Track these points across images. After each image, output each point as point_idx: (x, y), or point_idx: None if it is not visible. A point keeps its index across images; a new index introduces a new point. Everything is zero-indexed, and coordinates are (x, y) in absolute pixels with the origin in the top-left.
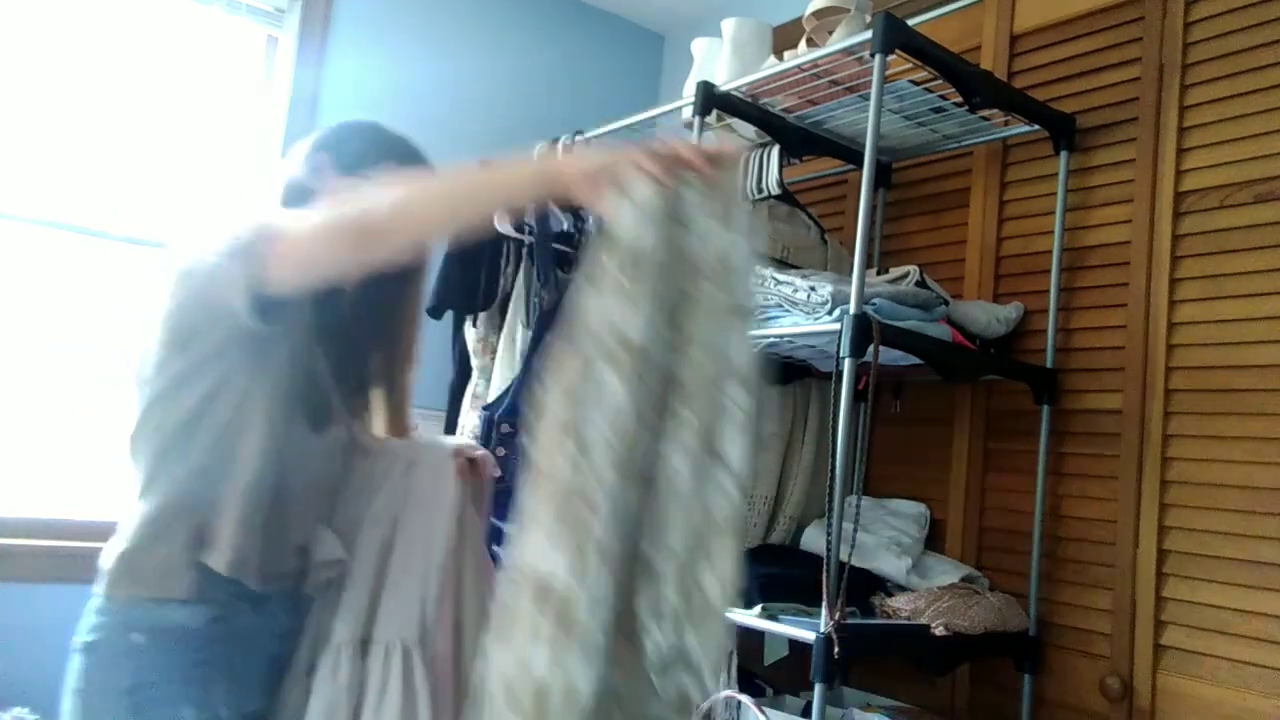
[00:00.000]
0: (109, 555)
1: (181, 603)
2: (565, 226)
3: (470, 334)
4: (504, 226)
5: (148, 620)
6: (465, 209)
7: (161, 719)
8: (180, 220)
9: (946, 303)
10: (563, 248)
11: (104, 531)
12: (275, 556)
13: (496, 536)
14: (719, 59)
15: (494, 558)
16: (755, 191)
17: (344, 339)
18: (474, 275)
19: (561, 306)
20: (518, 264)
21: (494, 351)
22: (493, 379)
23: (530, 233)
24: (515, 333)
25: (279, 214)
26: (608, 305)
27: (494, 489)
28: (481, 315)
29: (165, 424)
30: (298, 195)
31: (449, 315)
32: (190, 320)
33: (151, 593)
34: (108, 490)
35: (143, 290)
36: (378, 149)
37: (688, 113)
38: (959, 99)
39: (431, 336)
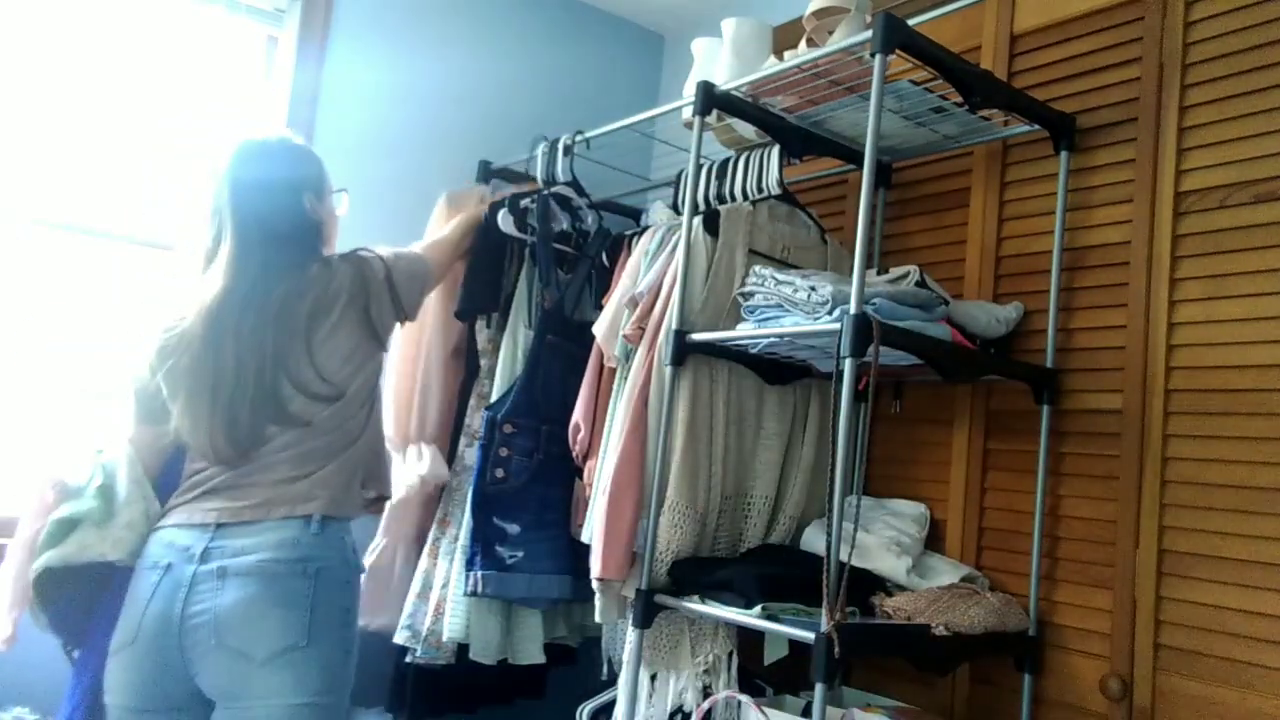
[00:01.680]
0: (316, 491)
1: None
2: (565, 226)
3: (481, 334)
4: (506, 226)
5: (351, 546)
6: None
7: (352, 635)
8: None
9: (946, 303)
10: (563, 248)
11: None
12: None
13: (500, 536)
14: (719, 59)
15: (500, 559)
16: (755, 191)
17: None
18: (497, 277)
19: (563, 306)
20: (519, 264)
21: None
22: (496, 379)
23: (532, 233)
24: (517, 333)
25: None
26: None
27: (497, 489)
28: (494, 316)
29: (369, 398)
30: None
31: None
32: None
33: (348, 513)
34: None
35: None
36: None
37: (688, 113)
38: (959, 99)
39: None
